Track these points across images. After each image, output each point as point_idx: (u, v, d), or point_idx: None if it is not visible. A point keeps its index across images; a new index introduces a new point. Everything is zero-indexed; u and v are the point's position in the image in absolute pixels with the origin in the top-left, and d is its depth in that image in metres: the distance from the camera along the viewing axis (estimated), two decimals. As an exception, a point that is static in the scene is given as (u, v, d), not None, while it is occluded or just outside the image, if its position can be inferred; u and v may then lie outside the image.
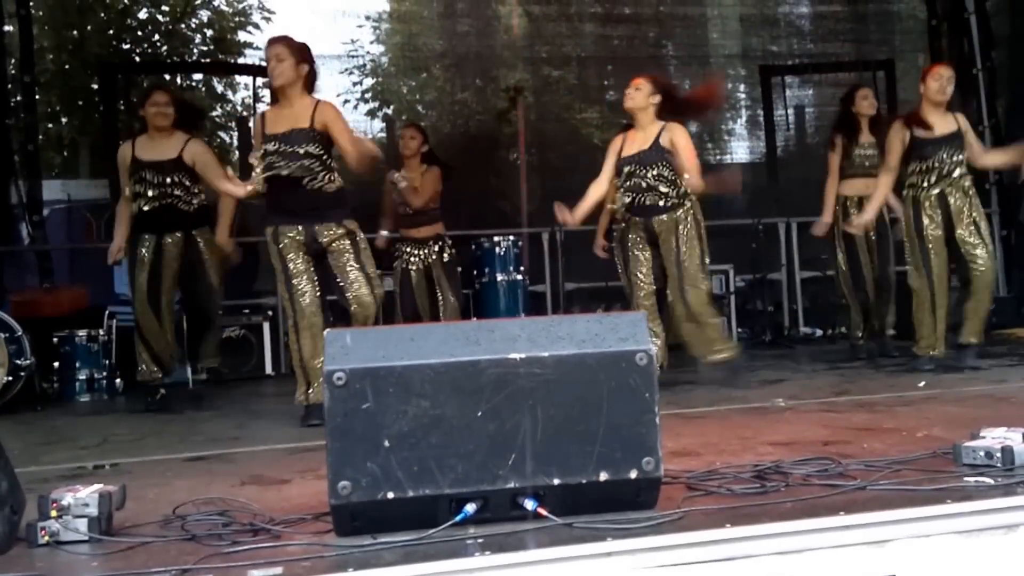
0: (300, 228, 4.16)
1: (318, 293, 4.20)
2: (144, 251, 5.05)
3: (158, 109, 5.04)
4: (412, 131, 5.98)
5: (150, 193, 5.01)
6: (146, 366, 5.10)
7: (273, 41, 4.24)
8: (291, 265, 4.18)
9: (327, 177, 4.19)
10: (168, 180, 5.01)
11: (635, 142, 4.90)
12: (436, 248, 5.93)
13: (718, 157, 9.52)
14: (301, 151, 4.11)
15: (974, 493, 2.12)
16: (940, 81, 4.96)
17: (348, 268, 4.16)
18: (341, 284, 4.17)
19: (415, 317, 5.86)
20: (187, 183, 5.06)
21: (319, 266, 4.23)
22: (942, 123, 4.98)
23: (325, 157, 4.19)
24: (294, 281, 4.17)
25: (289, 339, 4.32)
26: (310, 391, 4.16)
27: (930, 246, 4.93)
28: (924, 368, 4.95)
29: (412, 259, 5.90)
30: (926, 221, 4.94)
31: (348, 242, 4.18)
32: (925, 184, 4.96)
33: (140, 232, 5.07)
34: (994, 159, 5.51)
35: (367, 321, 4.14)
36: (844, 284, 5.85)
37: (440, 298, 5.91)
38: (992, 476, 2.23)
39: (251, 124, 4.28)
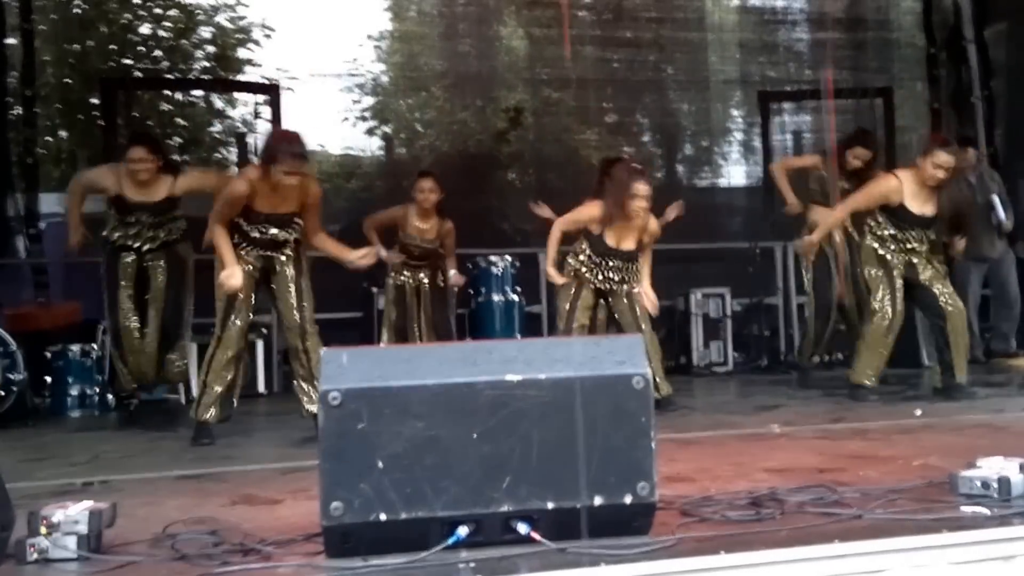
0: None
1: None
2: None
3: (134, 166, 5.00)
4: (432, 184, 5.83)
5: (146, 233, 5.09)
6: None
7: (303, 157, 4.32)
8: None
9: None
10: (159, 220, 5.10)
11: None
12: (431, 269, 5.95)
13: (715, 181, 9.56)
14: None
15: (970, 523, 2.11)
16: (939, 171, 4.74)
17: None
18: None
19: (399, 336, 5.85)
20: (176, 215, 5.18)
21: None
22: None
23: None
24: None
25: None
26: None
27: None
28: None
29: (405, 277, 5.90)
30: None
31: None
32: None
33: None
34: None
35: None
36: (806, 307, 5.93)
37: (421, 317, 5.89)
38: (988, 506, 2.22)
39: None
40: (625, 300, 4.99)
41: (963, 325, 5.06)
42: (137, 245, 5.09)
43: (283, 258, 4.41)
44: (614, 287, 4.98)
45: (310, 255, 4.57)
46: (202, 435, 4.27)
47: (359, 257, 4.47)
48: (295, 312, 4.40)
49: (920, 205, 4.88)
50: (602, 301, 5.09)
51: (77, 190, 5.22)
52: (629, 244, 4.90)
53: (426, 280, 5.98)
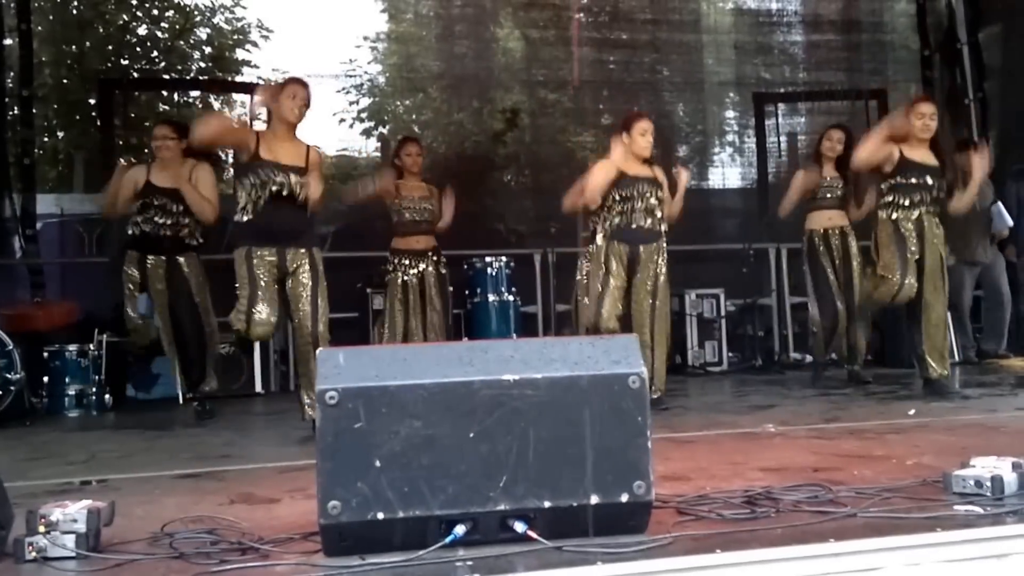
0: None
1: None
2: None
3: (156, 143, 5.23)
4: (417, 147, 6.04)
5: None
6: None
7: (304, 84, 4.49)
8: None
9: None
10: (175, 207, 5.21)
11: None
12: (432, 260, 5.94)
13: (709, 182, 9.58)
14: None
15: (964, 522, 2.12)
16: (923, 119, 5.11)
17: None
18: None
19: (404, 334, 5.84)
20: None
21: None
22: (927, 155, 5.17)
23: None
24: None
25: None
26: None
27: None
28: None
29: (409, 273, 5.88)
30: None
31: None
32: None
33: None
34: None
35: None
36: (811, 309, 6.02)
37: (428, 314, 5.89)
38: (982, 505, 2.23)
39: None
40: (649, 299, 5.00)
41: (941, 320, 5.12)
42: (147, 230, 5.18)
43: (299, 258, 4.38)
44: (645, 223, 5.01)
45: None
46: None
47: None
48: (309, 320, 4.37)
49: (920, 156, 5.14)
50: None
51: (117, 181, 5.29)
52: (646, 171, 5.09)
53: (430, 270, 5.93)
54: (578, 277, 5.22)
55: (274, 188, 4.31)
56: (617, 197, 5.00)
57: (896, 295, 5.08)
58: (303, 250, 4.41)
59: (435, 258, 5.96)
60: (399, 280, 5.89)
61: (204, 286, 5.32)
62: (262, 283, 4.29)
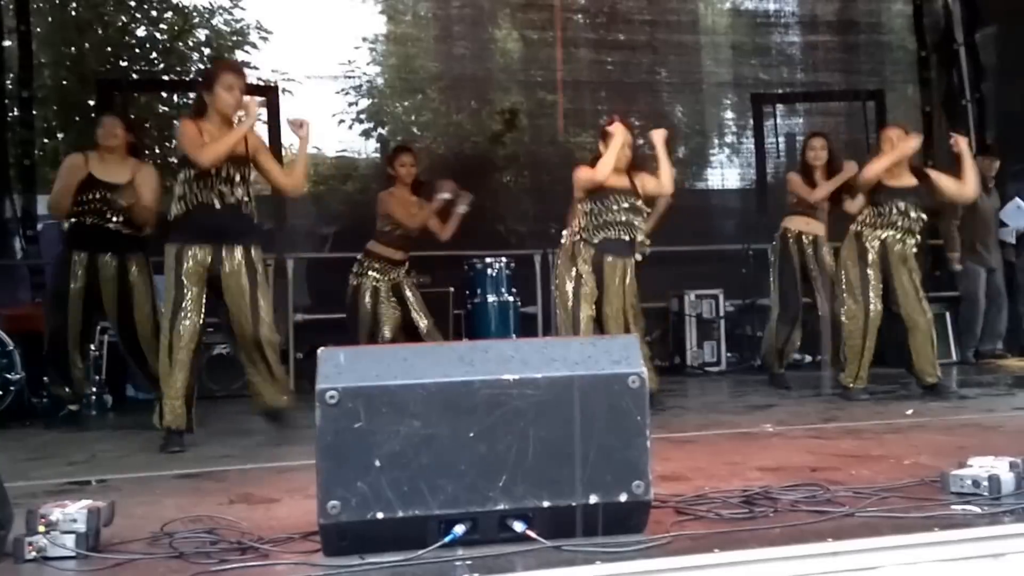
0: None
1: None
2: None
3: (103, 130, 5.09)
4: (412, 158, 5.96)
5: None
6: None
7: (240, 72, 4.29)
8: None
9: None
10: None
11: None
12: (405, 270, 5.90)
13: (708, 183, 9.59)
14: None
15: (961, 521, 2.14)
16: (889, 143, 5.19)
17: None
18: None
19: (373, 337, 5.73)
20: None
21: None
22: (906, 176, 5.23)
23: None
24: None
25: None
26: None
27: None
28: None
29: (381, 278, 5.80)
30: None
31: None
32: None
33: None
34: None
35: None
36: (772, 314, 6.05)
37: (416, 320, 5.84)
38: (979, 504, 2.25)
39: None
40: (620, 299, 4.98)
41: (927, 335, 5.12)
42: (91, 221, 4.95)
43: (234, 257, 4.17)
44: (620, 235, 4.98)
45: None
46: (172, 443, 4.09)
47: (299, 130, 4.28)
48: (249, 322, 4.19)
49: (898, 179, 5.19)
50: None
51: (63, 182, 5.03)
52: (623, 182, 5.04)
53: (403, 280, 5.83)
54: (554, 284, 5.21)
55: (213, 182, 4.11)
56: (589, 208, 4.98)
57: (866, 325, 5.10)
58: (239, 248, 4.17)
59: (407, 268, 5.91)
60: (369, 286, 5.71)
61: (149, 292, 5.08)
62: (191, 291, 4.08)
